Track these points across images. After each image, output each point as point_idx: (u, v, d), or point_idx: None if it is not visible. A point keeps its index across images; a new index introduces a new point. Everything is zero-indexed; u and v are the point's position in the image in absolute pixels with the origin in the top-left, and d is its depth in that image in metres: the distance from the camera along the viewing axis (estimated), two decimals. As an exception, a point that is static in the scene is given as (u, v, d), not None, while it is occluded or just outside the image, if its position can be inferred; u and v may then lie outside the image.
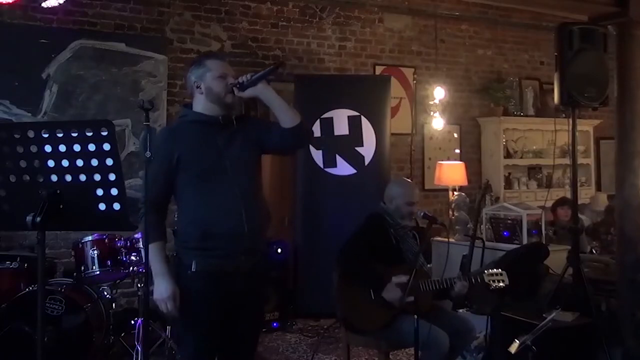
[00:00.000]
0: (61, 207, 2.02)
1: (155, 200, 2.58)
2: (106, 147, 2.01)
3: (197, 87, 2.65)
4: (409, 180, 4.71)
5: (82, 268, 4.34)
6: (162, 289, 2.52)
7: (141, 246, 4.30)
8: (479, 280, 3.40)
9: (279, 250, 5.52)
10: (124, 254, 4.38)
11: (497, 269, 3.42)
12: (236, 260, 2.56)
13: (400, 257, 3.53)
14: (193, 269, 2.54)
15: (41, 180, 2.05)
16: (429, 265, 3.76)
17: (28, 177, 2.05)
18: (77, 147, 2.01)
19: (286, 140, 2.69)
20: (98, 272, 4.34)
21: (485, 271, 3.43)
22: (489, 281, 3.38)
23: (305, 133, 2.76)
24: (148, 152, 3.14)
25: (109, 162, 2.02)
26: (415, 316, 3.00)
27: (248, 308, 2.66)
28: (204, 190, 2.57)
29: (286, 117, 2.64)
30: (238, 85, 2.60)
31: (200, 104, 2.66)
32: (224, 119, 2.64)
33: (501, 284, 3.37)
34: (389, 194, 3.69)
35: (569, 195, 5.83)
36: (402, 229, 3.63)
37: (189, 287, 2.57)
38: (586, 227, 5.83)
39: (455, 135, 7.20)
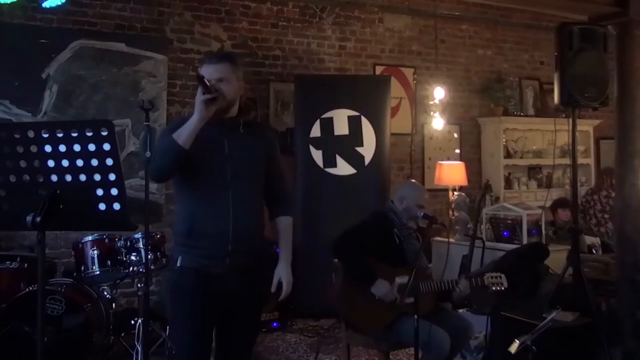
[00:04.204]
0: (61, 207, 2.02)
1: None
2: (106, 147, 2.00)
3: None
4: (422, 185, 4.76)
5: (82, 268, 4.34)
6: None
7: (141, 246, 4.30)
8: (479, 282, 3.44)
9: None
10: (124, 254, 4.37)
11: (496, 272, 3.47)
12: (221, 261, 2.55)
13: (403, 257, 3.52)
14: (178, 264, 2.58)
15: (41, 180, 2.04)
16: (429, 266, 3.76)
17: (28, 177, 2.05)
18: (77, 147, 2.01)
19: (268, 202, 2.80)
20: (98, 272, 4.34)
21: (486, 274, 3.46)
22: (489, 284, 3.42)
23: None
24: (148, 152, 3.14)
25: (109, 162, 2.01)
26: (415, 316, 3.00)
27: (243, 308, 2.66)
28: (199, 188, 2.56)
29: None
30: None
31: None
32: (229, 121, 2.61)
33: (500, 287, 3.41)
34: (401, 193, 3.71)
35: (568, 195, 5.84)
36: (407, 230, 3.63)
37: (176, 281, 2.61)
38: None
39: (455, 135, 7.20)
